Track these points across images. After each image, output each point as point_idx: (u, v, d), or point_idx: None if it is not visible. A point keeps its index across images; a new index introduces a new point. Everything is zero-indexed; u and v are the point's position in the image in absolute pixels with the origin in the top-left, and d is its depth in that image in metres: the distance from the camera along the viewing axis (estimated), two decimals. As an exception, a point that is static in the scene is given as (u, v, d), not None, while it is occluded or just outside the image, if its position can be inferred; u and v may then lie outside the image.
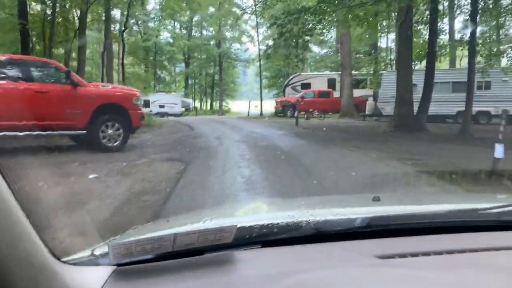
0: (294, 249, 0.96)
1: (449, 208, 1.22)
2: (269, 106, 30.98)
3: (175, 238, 0.84)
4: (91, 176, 6.45)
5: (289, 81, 28.65)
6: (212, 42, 47.86)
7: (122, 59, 19.16)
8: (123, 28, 18.67)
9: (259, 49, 30.11)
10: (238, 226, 0.90)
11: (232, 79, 55.52)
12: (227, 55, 42.27)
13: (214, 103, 56.33)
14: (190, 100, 43.87)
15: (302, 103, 24.04)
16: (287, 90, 28.33)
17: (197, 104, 53.99)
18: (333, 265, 0.91)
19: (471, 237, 1.04)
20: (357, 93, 24.53)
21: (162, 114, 40.09)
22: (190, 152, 8.56)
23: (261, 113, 27.46)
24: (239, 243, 0.92)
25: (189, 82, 55.22)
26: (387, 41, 23.32)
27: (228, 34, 43.94)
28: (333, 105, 23.62)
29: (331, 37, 41.39)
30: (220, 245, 0.87)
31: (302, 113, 24.31)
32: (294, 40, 14.67)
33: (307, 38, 15.02)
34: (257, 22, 28.10)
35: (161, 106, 40.06)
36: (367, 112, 19.79)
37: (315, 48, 45.20)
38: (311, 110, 20.64)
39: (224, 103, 54.11)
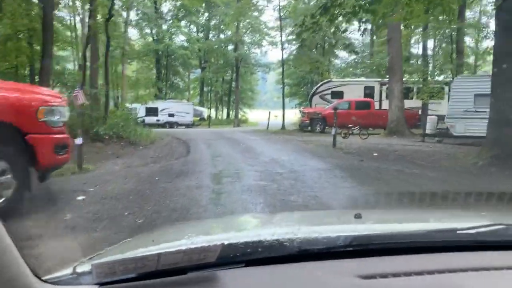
0: (278, 268, 0.95)
1: (429, 227, 1.25)
2: (291, 116, 26.04)
3: (159, 257, 0.85)
4: None
5: (317, 89, 23.78)
6: (230, 47, 43.55)
7: (106, 56, 14.63)
8: (107, 16, 14.06)
9: (283, 50, 25.31)
10: (222, 245, 0.90)
11: (250, 86, 50.95)
12: (245, 59, 37.60)
13: (230, 112, 51.92)
14: (203, 109, 39.38)
15: (333, 116, 19.18)
16: (315, 100, 23.45)
17: (213, 113, 49.58)
18: (316, 286, 0.91)
19: (450, 257, 1.02)
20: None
21: (171, 124, 35.65)
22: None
23: (283, 126, 22.62)
24: (223, 262, 0.91)
25: (205, 89, 51.06)
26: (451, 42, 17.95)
27: (247, 39, 39.40)
28: (374, 119, 18.65)
29: (365, 38, 36.49)
30: (204, 264, 0.88)
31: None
32: (344, 20, 9.77)
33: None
34: (280, 18, 23.35)
35: (171, 115, 35.64)
36: (427, 131, 14.74)
37: (342, 53, 40.30)
38: (350, 125, 15.72)
39: (241, 113, 50.07)
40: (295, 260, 0.96)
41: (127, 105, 36.55)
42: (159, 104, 35.29)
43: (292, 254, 0.97)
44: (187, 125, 35.64)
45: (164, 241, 1.19)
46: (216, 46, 41.84)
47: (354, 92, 22.47)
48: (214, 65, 44.08)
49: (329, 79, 25.18)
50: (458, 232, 1.09)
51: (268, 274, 0.94)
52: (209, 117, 38.21)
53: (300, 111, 23.04)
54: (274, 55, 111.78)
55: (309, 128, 19.38)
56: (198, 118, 38.44)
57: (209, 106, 50.49)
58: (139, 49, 42.97)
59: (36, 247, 3.39)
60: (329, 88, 23.33)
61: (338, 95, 23.09)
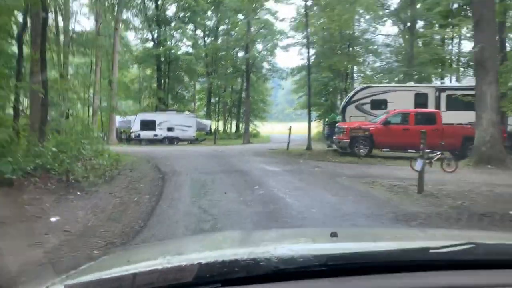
0: None
1: (403, 246, 1.24)
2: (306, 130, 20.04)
3: (134, 278, 0.84)
4: None
5: (352, 97, 18.13)
6: (240, 54, 38.38)
7: (41, 42, 9.27)
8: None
9: (309, 43, 19.69)
10: (198, 265, 0.91)
11: (262, 96, 45.50)
12: (257, 64, 32.15)
13: (240, 125, 46.64)
14: (208, 122, 33.95)
15: (383, 133, 13.60)
16: (349, 111, 17.83)
17: (221, 126, 44.20)
18: None
19: (423, 277, 1.02)
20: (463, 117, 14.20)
21: (171, 140, 30.15)
22: None
23: (309, 145, 16.99)
24: (199, 281, 0.90)
25: (212, 100, 45.91)
26: None
27: (259, 46, 34.06)
28: (442, 139, 12.95)
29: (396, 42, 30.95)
30: (181, 284, 0.87)
31: (385, 150, 13.80)
32: None
33: None
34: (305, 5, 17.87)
35: (170, 129, 30.23)
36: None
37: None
38: (436, 153, 10.01)
39: (251, 126, 44.78)
40: (272, 279, 0.95)
41: (122, 118, 31.46)
42: (157, 116, 30.03)
43: (268, 273, 0.95)
44: (190, 141, 30.27)
45: (139, 260, 1.13)
46: (224, 53, 36.66)
47: (401, 101, 16.89)
48: (222, 72, 38.86)
49: (367, 84, 19.49)
50: (430, 251, 1.09)
51: None
52: (215, 131, 32.73)
53: (336, 127, 17.44)
54: (287, 62, 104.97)
55: (349, 149, 13.74)
56: (204, 133, 33.08)
57: (216, 118, 45.27)
58: (137, 53, 38.09)
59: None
60: (368, 96, 17.70)
61: (380, 104, 17.52)
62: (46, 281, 0.98)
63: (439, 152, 10.15)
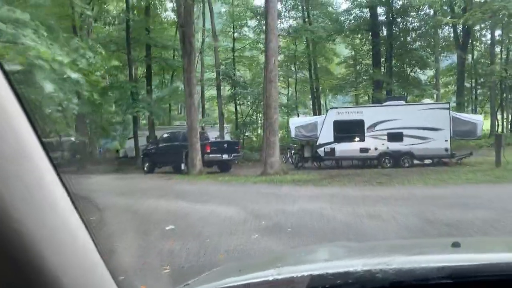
0: None
1: None
2: None
3: None
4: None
5: None
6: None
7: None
8: None
9: None
10: (310, 276, 0.86)
11: None
12: None
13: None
14: (477, 119, 16.54)
15: None
16: None
17: (490, 123, 25.43)
18: None
19: None
20: None
21: (398, 157, 14.79)
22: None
23: None
24: None
25: (466, 84, 27.86)
26: None
27: None
28: None
29: None
30: None
31: None
32: None
33: None
34: None
35: (395, 136, 14.97)
36: None
37: None
38: None
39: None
40: None
41: (298, 121, 18.18)
42: (367, 112, 15.09)
43: (385, 286, 0.88)
44: (438, 159, 14.29)
45: (251, 271, 1.09)
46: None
47: None
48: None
49: None
50: None
51: None
52: (496, 135, 15.29)
53: None
54: None
55: None
56: (470, 139, 16.16)
57: (473, 109, 26.70)
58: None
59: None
60: None
61: None
62: None
63: None
